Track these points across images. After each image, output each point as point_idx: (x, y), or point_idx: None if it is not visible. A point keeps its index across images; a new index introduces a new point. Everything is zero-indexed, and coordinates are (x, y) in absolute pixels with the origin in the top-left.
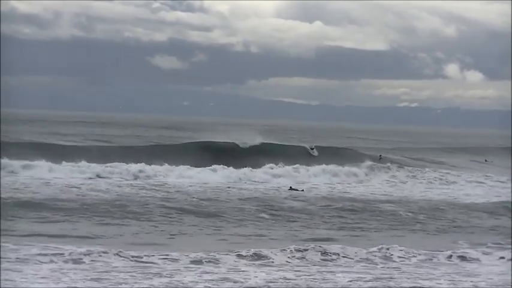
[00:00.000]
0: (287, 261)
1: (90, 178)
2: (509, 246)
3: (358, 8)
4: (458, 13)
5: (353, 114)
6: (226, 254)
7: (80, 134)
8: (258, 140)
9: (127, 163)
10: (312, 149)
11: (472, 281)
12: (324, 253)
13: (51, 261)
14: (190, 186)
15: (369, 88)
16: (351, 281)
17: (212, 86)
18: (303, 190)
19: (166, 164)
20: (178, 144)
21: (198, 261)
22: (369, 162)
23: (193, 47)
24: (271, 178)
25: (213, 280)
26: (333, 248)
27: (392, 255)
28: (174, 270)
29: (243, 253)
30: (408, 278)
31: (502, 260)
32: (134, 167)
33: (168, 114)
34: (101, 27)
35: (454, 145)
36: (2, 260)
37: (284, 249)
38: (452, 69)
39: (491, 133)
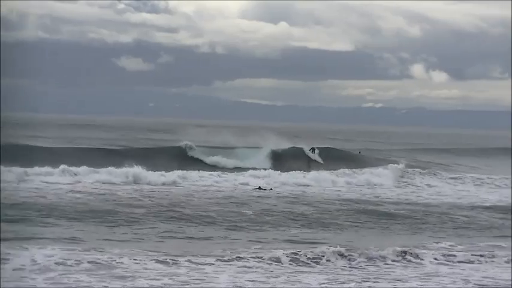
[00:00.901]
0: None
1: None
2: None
3: (323, 9)
4: (422, 13)
5: (319, 114)
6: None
7: (46, 137)
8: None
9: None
10: (312, 150)
11: None
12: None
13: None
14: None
15: (334, 89)
16: None
17: (178, 87)
18: (271, 189)
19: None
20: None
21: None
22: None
23: (159, 48)
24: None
25: None
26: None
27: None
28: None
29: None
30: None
31: None
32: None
33: (134, 115)
34: (65, 29)
35: (425, 145)
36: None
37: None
38: (417, 69)
39: (456, 133)
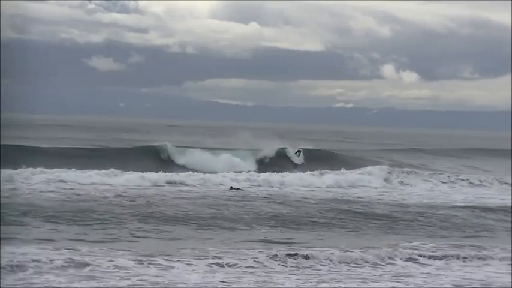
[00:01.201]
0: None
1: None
2: None
3: (293, 9)
4: (392, 13)
5: (290, 115)
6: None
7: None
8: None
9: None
10: (297, 153)
11: None
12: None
13: None
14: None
15: (305, 89)
16: None
17: (149, 88)
18: (243, 189)
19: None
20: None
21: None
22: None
23: (130, 48)
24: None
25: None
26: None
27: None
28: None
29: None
30: None
31: None
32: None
33: (105, 115)
34: (36, 29)
35: (399, 146)
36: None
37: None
38: (387, 69)
39: (428, 133)
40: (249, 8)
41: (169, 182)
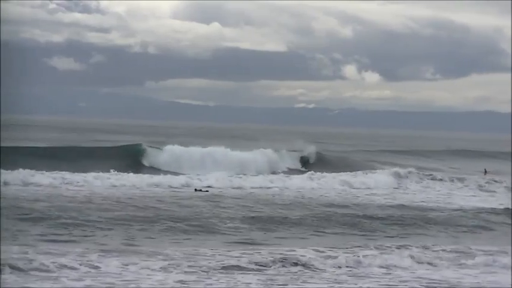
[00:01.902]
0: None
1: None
2: None
3: (254, 9)
4: (353, 14)
5: (251, 115)
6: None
7: None
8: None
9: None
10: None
11: None
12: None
13: None
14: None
15: (267, 89)
16: None
17: (110, 88)
18: (207, 191)
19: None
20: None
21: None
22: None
23: (91, 48)
24: None
25: None
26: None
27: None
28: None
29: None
30: None
31: None
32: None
33: (66, 115)
34: None
35: (369, 147)
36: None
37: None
38: (349, 70)
39: (391, 134)
40: (210, 8)
41: (135, 183)
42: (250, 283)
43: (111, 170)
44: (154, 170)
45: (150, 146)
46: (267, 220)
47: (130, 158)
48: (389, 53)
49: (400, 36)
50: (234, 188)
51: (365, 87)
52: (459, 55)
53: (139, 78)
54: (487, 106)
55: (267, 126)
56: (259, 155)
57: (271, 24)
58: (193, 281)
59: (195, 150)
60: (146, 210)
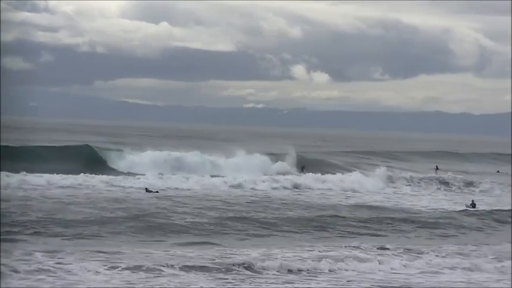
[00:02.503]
0: None
1: None
2: None
3: (204, 9)
4: (302, 14)
5: (201, 115)
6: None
7: None
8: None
9: None
10: (302, 169)
11: None
12: None
13: None
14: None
15: (216, 89)
16: None
17: (59, 87)
18: (157, 191)
19: None
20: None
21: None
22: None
23: (40, 47)
24: None
25: None
26: None
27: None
28: None
29: None
30: None
31: None
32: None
33: (15, 115)
34: None
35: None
36: None
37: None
38: (298, 70)
39: (340, 134)
40: (159, 7)
41: (88, 184)
42: (196, 281)
43: (59, 171)
44: (106, 170)
45: (100, 148)
46: (215, 222)
47: (80, 159)
48: (338, 53)
49: (349, 37)
50: (185, 190)
51: (314, 88)
52: (408, 55)
53: (88, 78)
54: (435, 106)
55: (216, 126)
56: (246, 159)
57: (220, 24)
58: (142, 279)
59: (151, 154)
60: (95, 210)
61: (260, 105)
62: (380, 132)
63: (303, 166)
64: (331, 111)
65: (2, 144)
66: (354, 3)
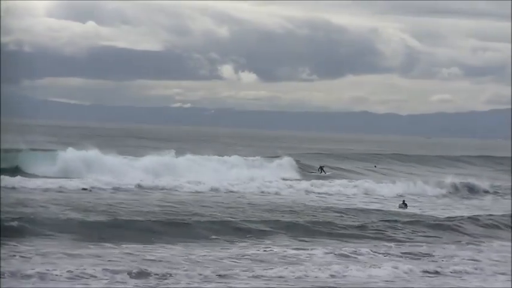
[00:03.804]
0: None
1: None
2: None
3: (130, 8)
4: (230, 13)
5: (128, 114)
6: None
7: None
8: None
9: None
10: (321, 168)
11: None
12: None
13: None
14: None
15: (143, 88)
16: None
17: None
18: (90, 190)
19: None
20: None
21: None
22: None
23: None
24: None
25: None
26: None
27: None
28: None
29: None
30: None
31: None
32: None
33: None
34: None
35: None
36: None
37: None
38: (226, 70)
39: (268, 135)
40: (86, 7)
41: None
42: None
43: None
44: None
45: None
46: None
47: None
48: (266, 53)
49: (277, 37)
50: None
51: (241, 87)
52: (335, 56)
53: (15, 77)
54: (362, 107)
55: (144, 126)
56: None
57: (147, 23)
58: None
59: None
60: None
61: (187, 105)
62: (308, 133)
63: (321, 166)
64: (258, 111)
65: None
66: (281, 3)
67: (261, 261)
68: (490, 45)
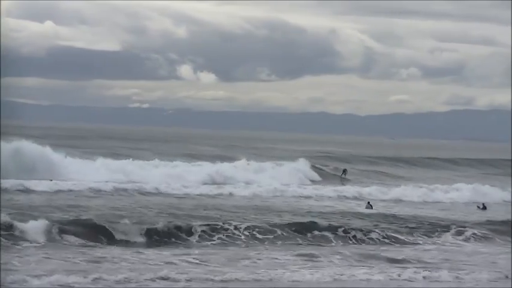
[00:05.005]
0: None
1: None
2: None
3: (88, 8)
4: (188, 14)
5: (85, 114)
6: None
7: None
8: None
9: None
10: (344, 172)
11: None
12: None
13: None
14: None
15: (100, 88)
16: None
17: None
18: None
19: None
20: None
21: None
22: None
23: None
24: None
25: None
26: None
27: None
28: None
29: None
30: None
31: None
32: None
33: None
34: None
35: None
36: None
37: None
38: (185, 70)
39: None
40: (44, 7)
41: None
42: None
43: None
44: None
45: None
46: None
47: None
48: (224, 54)
49: (235, 37)
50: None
51: (200, 88)
52: (294, 56)
53: None
54: (320, 107)
55: (101, 126)
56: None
57: (105, 23)
58: None
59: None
60: None
61: (145, 105)
62: (266, 133)
63: (344, 169)
64: (217, 112)
65: None
66: (239, 3)
67: None
68: (447, 45)
